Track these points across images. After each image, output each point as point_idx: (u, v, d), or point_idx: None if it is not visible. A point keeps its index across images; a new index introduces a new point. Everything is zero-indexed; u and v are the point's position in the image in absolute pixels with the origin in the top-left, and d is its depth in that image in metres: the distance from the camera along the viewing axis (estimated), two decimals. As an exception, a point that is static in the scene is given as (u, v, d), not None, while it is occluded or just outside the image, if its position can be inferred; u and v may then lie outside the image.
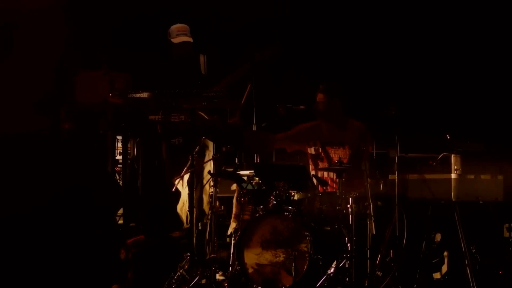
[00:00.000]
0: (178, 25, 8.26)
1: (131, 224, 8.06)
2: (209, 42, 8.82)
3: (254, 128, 8.05)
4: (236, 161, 8.17)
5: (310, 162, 7.73)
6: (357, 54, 9.05)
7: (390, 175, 6.98)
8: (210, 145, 7.96)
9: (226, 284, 6.91)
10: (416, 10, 8.86)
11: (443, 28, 8.80)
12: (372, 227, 6.76)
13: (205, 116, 7.57)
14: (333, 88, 7.60)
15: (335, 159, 7.32)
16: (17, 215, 7.01)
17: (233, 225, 7.31)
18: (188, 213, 7.69)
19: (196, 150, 7.40)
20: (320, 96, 7.61)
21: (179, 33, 8.19)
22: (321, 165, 7.55)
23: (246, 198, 7.11)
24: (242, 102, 7.84)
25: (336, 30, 9.16)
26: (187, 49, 8.22)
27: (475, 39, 8.70)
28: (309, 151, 7.72)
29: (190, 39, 8.19)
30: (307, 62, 9.22)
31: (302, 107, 7.67)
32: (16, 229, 6.98)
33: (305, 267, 6.62)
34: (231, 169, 7.41)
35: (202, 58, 8.32)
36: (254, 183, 7.15)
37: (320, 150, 7.61)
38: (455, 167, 6.79)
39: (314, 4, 9.23)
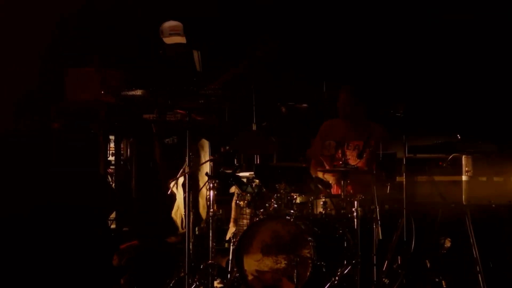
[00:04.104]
0: (171, 23, 7.99)
1: (124, 229, 8.15)
2: (206, 38, 8.61)
3: (254, 127, 7.94)
4: (235, 162, 8.14)
5: (326, 163, 7.57)
6: (362, 52, 8.95)
7: (397, 177, 6.83)
8: (205, 146, 7.88)
9: (224, 292, 6.85)
10: (423, 6, 8.77)
11: (454, 23, 8.72)
12: (378, 232, 6.67)
13: (198, 118, 7.43)
14: (361, 91, 7.53)
15: (352, 161, 7.21)
16: (5, 218, 7.09)
17: (232, 229, 7.23)
18: (183, 217, 7.66)
19: (193, 151, 7.22)
20: (346, 97, 7.53)
21: (172, 33, 7.96)
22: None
23: (246, 201, 7.01)
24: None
25: (340, 27, 9.06)
26: (179, 50, 7.99)
27: (487, 35, 8.62)
28: (325, 152, 7.59)
29: (183, 40, 7.95)
30: (309, 60, 9.13)
31: (304, 105, 7.54)
32: (4, 232, 7.06)
33: (308, 274, 6.50)
34: (230, 171, 7.30)
35: (196, 54, 8.07)
36: (254, 185, 7.06)
37: (334, 151, 7.49)
38: (466, 169, 6.66)
39: (318, 1, 9.11)
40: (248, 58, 7.89)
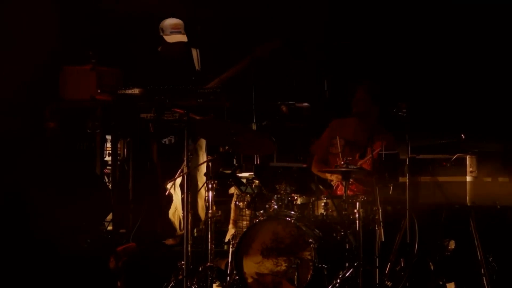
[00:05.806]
0: (172, 21, 7.93)
1: (121, 231, 8.14)
2: (205, 37, 8.55)
3: (254, 127, 7.90)
4: (235, 163, 8.07)
5: (332, 163, 7.51)
6: (364, 51, 8.95)
7: (400, 178, 6.76)
8: (204, 146, 7.85)
9: (223, 295, 6.83)
10: (428, 4, 8.78)
11: (460, 20, 8.73)
12: (381, 234, 6.61)
13: (196, 117, 7.37)
14: (378, 91, 7.43)
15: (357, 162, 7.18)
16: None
17: (231, 231, 7.16)
18: (181, 218, 7.62)
19: (190, 151, 7.28)
20: (362, 95, 7.42)
21: (173, 31, 7.90)
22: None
23: (245, 202, 6.95)
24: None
25: (341, 25, 9.08)
26: (180, 49, 7.94)
27: (493, 32, 8.62)
28: (331, 150, 7.51)
29: (185, 38, 7.91)
30: (310, 59, 9.14)
31: (305, 104, 7.44)
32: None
33: (309, 276, 6.46)
34: (229, 171, 7.24)
35: (194, 52, 8.04)
36: (253, 186, 7.01)
37: (341, 149, 7.36)
38: (471, 169, 6.59)
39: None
40: (249, 55, 7.77)
